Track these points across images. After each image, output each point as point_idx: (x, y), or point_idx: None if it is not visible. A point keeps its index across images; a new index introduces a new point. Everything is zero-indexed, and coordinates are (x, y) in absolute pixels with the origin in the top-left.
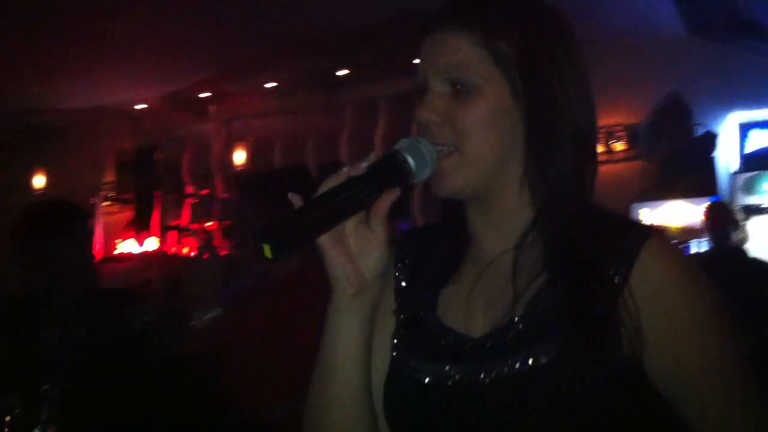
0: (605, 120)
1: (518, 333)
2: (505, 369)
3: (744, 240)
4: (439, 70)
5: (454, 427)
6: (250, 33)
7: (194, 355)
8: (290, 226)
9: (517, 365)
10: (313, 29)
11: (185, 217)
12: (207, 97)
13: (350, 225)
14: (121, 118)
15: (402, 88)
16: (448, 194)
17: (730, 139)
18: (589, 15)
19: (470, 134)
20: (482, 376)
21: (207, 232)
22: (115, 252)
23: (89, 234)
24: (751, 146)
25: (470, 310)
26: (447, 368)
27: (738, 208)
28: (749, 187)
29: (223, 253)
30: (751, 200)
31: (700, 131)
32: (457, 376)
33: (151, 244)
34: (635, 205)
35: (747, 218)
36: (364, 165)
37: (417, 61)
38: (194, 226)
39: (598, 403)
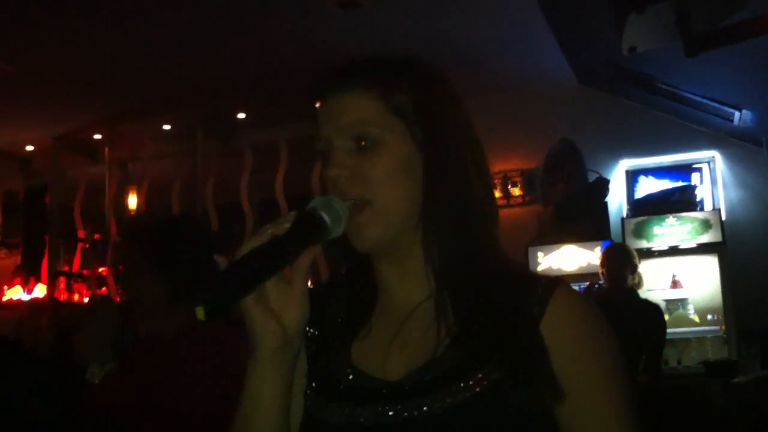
0: (502, 165)
1: (439, 373)
2: (426, 408)
3: (639, 284)
4: (342, 129)
5: None
6: (145, 75)
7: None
8: (221, 287)
9: (441, 403)
10: (210, 73)
11: (76, 263)
12: (100, 139)
13: (271, 282)
14: (9, 159)
15: (302, 132)
16: (368, 248)
17: (621, 185)
18: (485, 67)
19: (379, 185)
20: (405, 415)
21: (99, 278)
22: (3, 299)
23: None
24: (640, 192)
25: (387, 357)
26: (364, 411)
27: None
28: (639, 232)
29: (117, 299)
30: (641, 244)
31: (592, 177)
32: (374, 419)
33: (40, 291)
34: (531, 248)
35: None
36: (286, 224)
37: (318, 104)
38: (86, 271)
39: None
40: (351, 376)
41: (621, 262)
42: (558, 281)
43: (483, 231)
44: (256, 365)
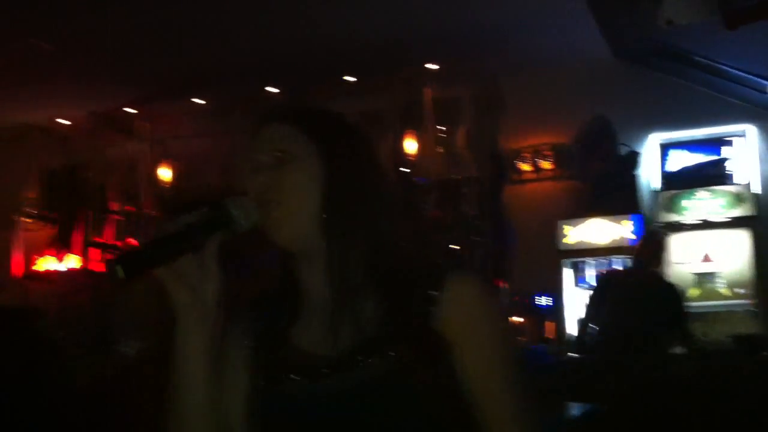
0: (533, 140)
1: (353, 354)
2: (342, 383)
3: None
4: (269, 148)
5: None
6: (181, 52)
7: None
8: (137, 256)
9: (353, 380)
10: (246, 50)
11: (109, 235)
12: (135, 115)
13: (191, 263)
14: (48, 136)
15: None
16: (283, 243)
17: (652, 159)
18: (520, 43)
19: (290, 191)
20: (336, 388)
21: None
22: (35, 268)
23: None
24: (671, 165)
25: (317, 340)
26: (307, 383)
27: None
28: (670, 205)
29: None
30: (672, 218)
31: (624, 150)
32: (315, 389)
33: (73, 261)
34: (560, 222)
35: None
36: (198, 216)
37: (351, 79)
38: (119, 243)
39: (429, 410)
40: (296, 353)
41: (658, 253)
42: (454, 270)
43: (377, 231)
44: (180, 332)
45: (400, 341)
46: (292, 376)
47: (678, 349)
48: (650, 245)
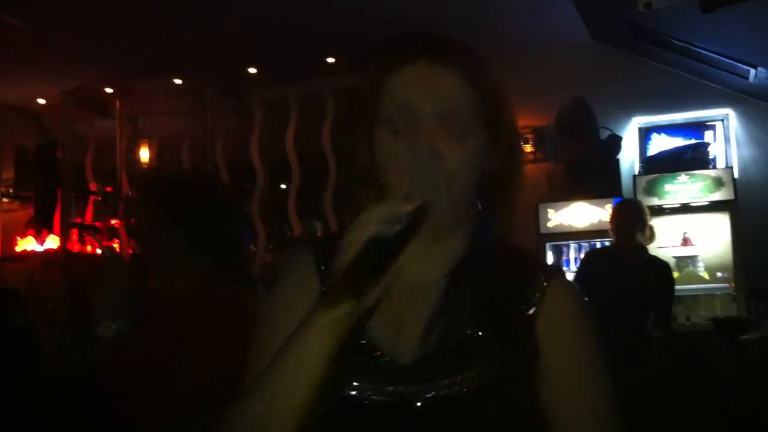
0: None
1: (448, 358)
2: (436, 392)
3: (651, 239)
4: (436, 109)
5: None
6: (156, 29)
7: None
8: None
9: (450, 389)
10: (222, 28)
11: (88, 215)
12: (111, 94)
13: None
14: (22, 115)
15: (313, 89)
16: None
17: (633, 143)
18: (498, 25)
19: (459, 181)
20: (416, 398)
21: (111, 230)
22: (16, 250)
23: None
24: (652, 149)
25: (401, 332)
26: (381, 389)
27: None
28: (651, 189)
29: (129, 252)
30: (653, 201)
31: (604, 134)
32: (390, 398)
33: (52, 242)
34: (542, 205)
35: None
36: (397, 213)
37: (331, 60)
38: (98, 224)
39: (525, 423)
40: (368, 349)
41: (630, 219)
42: (555, 272)
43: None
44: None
45: (501, 346)
46: (371, 383)
47: (656, 332)
48: (625, 215)
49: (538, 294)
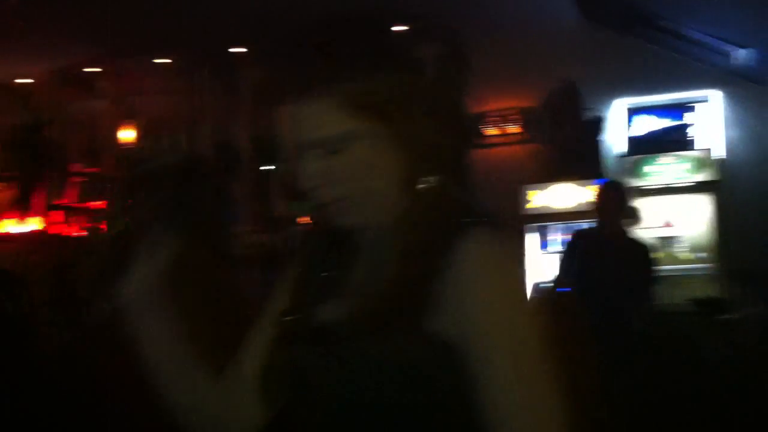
0: (499, 104)
1: (357, 320)
2: (350, 351)
3: (635, 221)
4: (314, 141)
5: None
6: (145, 9)
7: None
8: None
9: (355, 348)
10: (212, 7)
11: (72, 196)
12: (98, 73)
13: None
14: (6, 94)
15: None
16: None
17: (617, 123)
18: (488, 3)
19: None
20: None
21: (96, 212)
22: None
23: None
24: (636, 130)
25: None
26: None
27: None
28: (635, 170)
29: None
30: (636, 182)
31: (589, 115)
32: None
33: (35, 223)
34: (526, 186)
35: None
36: None
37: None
38: (83, 205)
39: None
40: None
41: (615, 201)
42: (472, 228)
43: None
44: None
45: (405, 312)
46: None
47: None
48: (609, 197)
49: (446, 256)
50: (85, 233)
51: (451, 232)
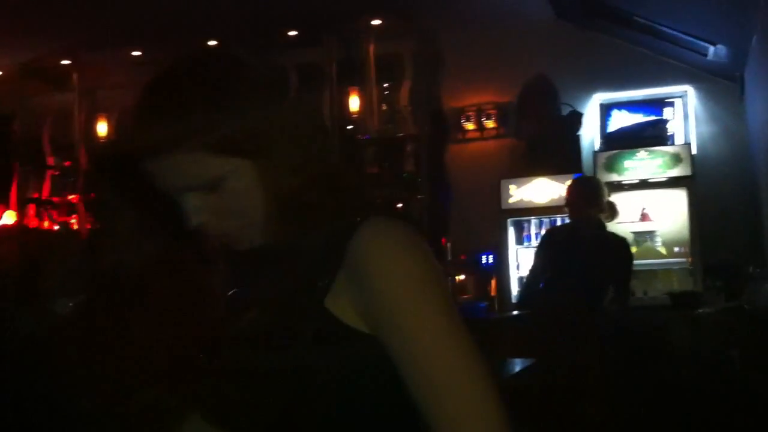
0: (477, 99)
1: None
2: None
3: (611, 216)
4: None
5: None
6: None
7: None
8: None
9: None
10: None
11: (46, 190)
12: (68, 66)
13: None
14: None
15: (273, 63)
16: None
17: (594, 119)
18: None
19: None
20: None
21: (69, 206)
22: None
23: None
24: (613, 126)
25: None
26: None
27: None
28: (610, 165)
29: (87, 227)
30: (612, 177)
31: (565, 110)
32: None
33: (8, 218)
34: (503, 182)
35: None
36: None
37: (293, 33)
38: (56, 199)
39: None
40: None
41: (583, 196)
42: (359, 224)
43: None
44: None
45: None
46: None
47: (613, 306)
48: (579, 192)
49: (337, 255)
50: (56, 227)
51: (341, 233)
